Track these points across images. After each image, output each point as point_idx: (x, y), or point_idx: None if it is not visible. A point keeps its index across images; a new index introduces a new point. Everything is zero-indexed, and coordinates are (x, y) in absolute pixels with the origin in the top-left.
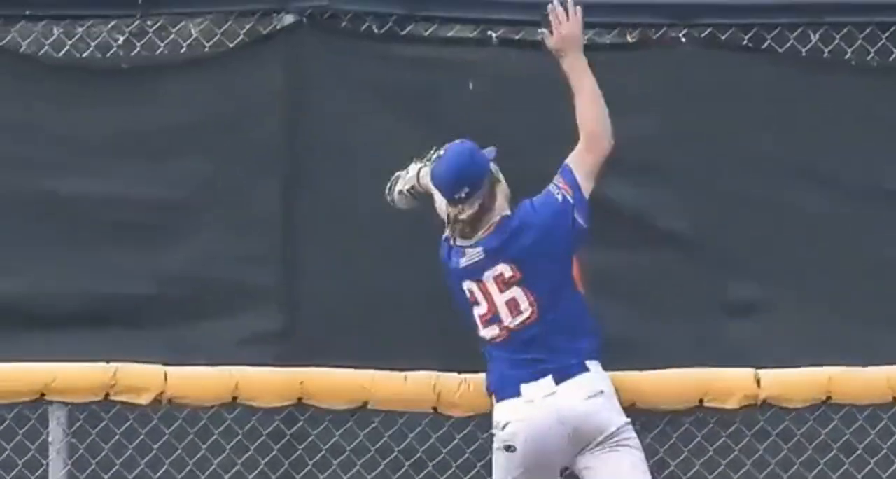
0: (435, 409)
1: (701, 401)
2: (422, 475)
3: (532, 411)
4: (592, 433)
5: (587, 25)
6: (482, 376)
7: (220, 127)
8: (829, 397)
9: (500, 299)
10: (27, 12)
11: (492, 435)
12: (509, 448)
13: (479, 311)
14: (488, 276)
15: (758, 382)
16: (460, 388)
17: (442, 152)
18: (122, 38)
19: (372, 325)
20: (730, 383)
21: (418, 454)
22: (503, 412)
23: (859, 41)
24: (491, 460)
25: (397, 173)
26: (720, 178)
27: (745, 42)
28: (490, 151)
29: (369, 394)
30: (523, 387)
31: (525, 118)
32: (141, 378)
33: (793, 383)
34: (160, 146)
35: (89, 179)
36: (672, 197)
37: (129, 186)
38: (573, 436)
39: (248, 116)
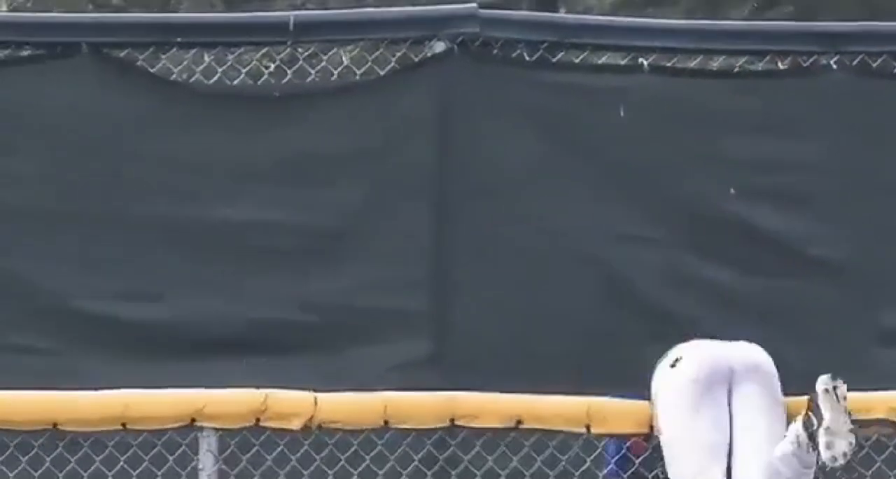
0: (588, 427)
1: (849, 413)
2: None
3: None
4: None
5: (739, 52)
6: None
7: (370, 154)
8: None
9: None
10: (178, 39)
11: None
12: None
13: None
14: None
15: None
16: (604, 408)
17: None
18: (273, 66)
19: (523, 351)
20: (875, 400)
21: None
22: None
23: None
24: None
25: None
26: (872, 206)
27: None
28: None
29: (522, 413)
30: None
31: (675, 145)
32: (291, 404)
33: None
34: (311, 173)
35: (239, 207)
36: (822, 224)
37: (280, 213)
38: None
39: (399, 143)
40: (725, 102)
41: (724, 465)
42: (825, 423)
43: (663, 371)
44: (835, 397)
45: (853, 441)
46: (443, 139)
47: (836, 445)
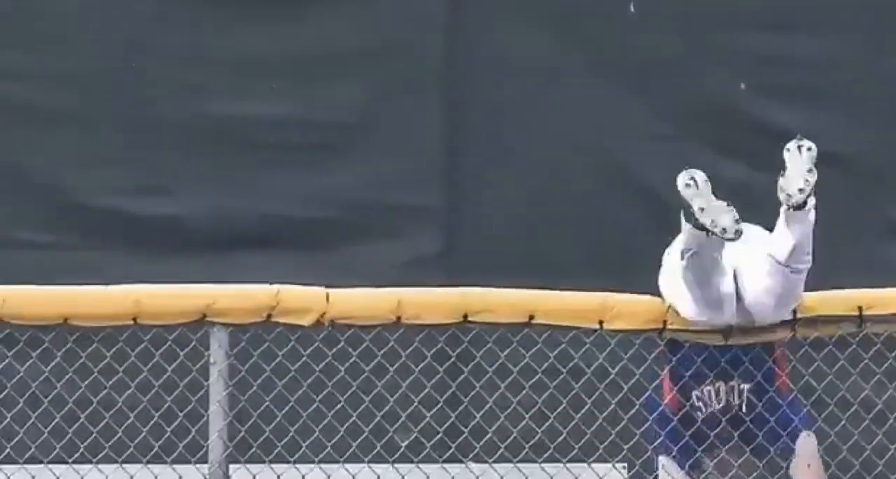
0: (601, 323)
1: (860, 309)
2: (593, 396)
3: None
4: None
5: None
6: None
7: (381, 49)
8: None
9: None
10: None
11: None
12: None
13: None
14: None
15: None
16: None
17: None
18: None
19: (535, 247)
20: (890, 295)
21: (586, 376)
22: None
23: None
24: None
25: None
26: (882, 101)
27: None
28: None
29: (535, 309)
30: None
31: (686, 41)
32: (303, 300)
33: None
34: (322, 69)
35: (252, 103)
36: (832, 119)
37: (293, 110)
38: None
39: (410, 38)
40: None
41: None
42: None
43: (669, 260)
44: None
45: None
46: (453, 34)
47: (720, 220)
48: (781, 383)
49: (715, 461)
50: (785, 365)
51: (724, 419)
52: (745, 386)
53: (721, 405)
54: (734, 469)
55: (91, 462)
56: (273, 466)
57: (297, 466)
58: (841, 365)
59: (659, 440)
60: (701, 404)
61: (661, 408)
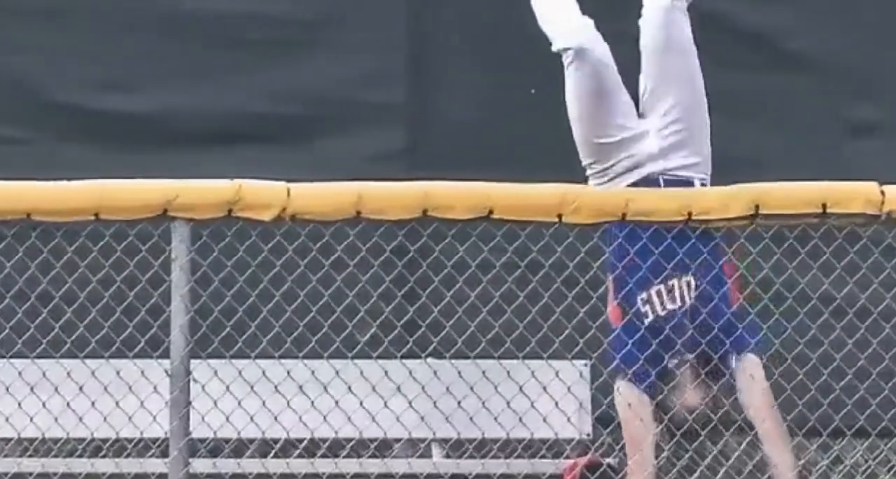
0: (560, 217)
1: (824, 207)
2: (550, 290)
3: None
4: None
5: None
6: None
7: None
8: None
9: None
10: None
11: None
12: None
13: None
14: None
15: (882, 193)
16: (578, 197)
17: None
18: None
19: (497, 141)
20: (853, 191)
21: (544, 269)
22: None
23: None
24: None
25: None
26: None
27: None
28: None
29: (494, 203)
30: None
31: None
32: (264, 195)
33: None
34: None
35: None
36: (799, 19)
37: (257, 5)
38: None
39: None
40: None
41: None
42: None
43: None
44: None
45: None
46: None
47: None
48: (734, 295)
49: (682, 369)
50: (733, 270)
51: (678, 321)
52: (692, 281)
53: (671, 306)
54: (698, 380)
55: (53, 357)
56: (233, 361)
57: (258, 361)
58: (801, 259)
59: (613, 364)
60: (648, 309)
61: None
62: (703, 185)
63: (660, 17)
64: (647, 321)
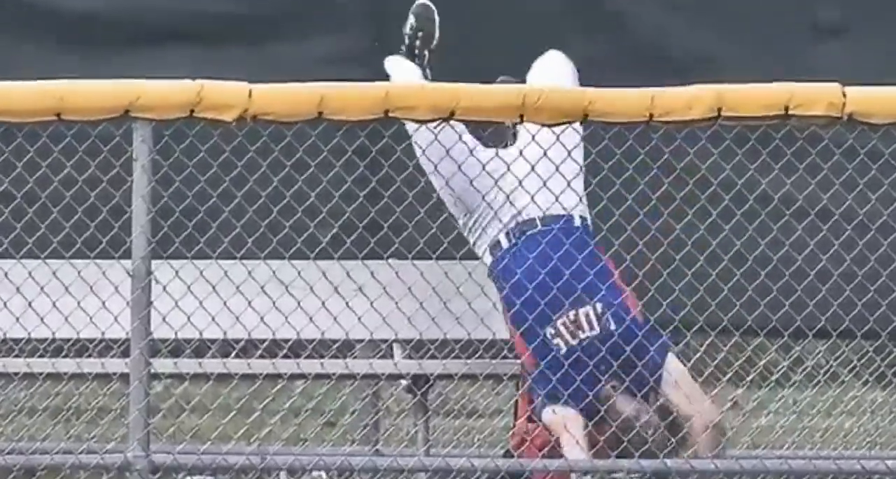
0: (522, 117)
1: (786, 109)
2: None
3: None
4: None
5: None
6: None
7: None
8: None
9: None
10: None
11: None
12: None
13: None
14: None
15: (843, 94)
16: (541, 96)
17: None
18: None
19: (463, 41)
20: (816, 93)
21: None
22: None
23: None
24: None
25: None
26: None
27: None
28: None
29: (456, 104)
30: None
31: None
32: (226, 95)
33: (878, 99)
34: None
35: None
36: None
37: None
38: None
39: None
40: None
41: None
42: None
43: None
44: None
45: None
46: None
47: None
48: (630, 301)
49: (618, 391)
50: (623, 281)
51: (596, 348)
52: (598, 306)
53: (583, 334)
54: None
55: (13, 258)
56: (195, 262)
57: (219, 262)
58: (763, 160)
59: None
60: (559, 341)
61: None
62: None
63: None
64: (562, 352)
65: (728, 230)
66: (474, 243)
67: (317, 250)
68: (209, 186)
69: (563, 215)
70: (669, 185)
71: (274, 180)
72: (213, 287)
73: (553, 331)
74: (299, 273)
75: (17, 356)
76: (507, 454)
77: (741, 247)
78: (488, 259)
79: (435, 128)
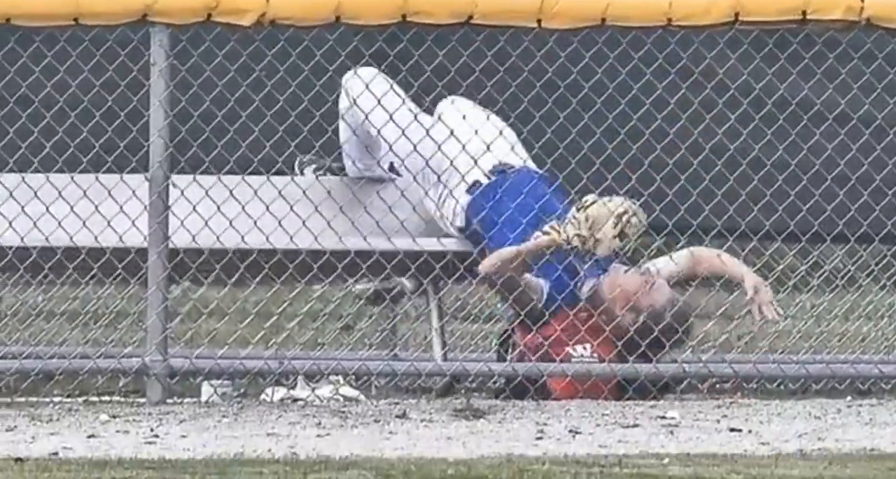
0: (539, 22)
1: (804, 13)
2: (529, 94)
3: None
4: None
5: None
6: None
7: None
8: None
9: None
10: None
11: None
12: None
13: None
14: None
15: None
16: (559, 1)
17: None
18: None
19: None
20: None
21: (524, 74)
22: None
23: None
24: None
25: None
26: None
27: None
28: None
29: (474, 8)
30: None
31: None
32: None
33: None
34: None
35: None
36: None
37: None
38: None
39: None
40: None
41: None
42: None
43: None
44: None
45: None
46: None
47: None
48: None
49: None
50: None
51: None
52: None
53: None
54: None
55: (31, 163)
56: (212, 167)
57: (236, 165)
58: (781, 65)
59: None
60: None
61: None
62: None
63: None
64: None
65: (746, 135)
66: (443, 210)
67: (335, 153)
68: (226, 89)
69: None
70: (687, 89)
71: (291, 85)
72: (231, 192)
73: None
74: (317, 178)
75: (35, 262)
76: (521, 358)
77: (759, 152)
78: (465, 201)
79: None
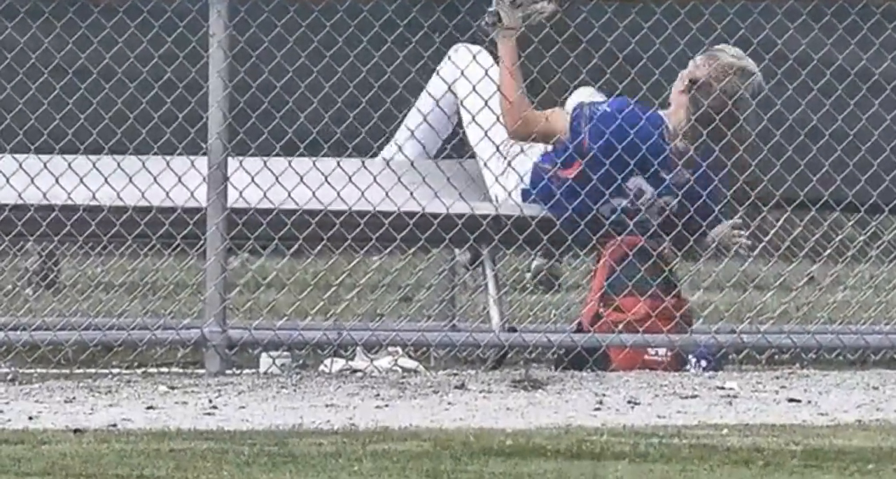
0: None
1: None
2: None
3: None
4: None
5: None
6: None
7: None
8: None
9: None
10: None
11: None
12: None
13: None
14: None
15: None
16: None
17: None
18: None
19: None
20: None
21: (582, 45)
22: None
23: None
24: None
25: None
26: None
27: None
28: None
29: None
30: None
31: None
32: None
33: None
34: None
35: None
36: None
37: None
38: None
39: None
40: None
41: None
42: None
43: None
44: None
45: None
46: None
47: None
48: None
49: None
50: None
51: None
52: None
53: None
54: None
55: (90, 133)
56: (269, 138)
57: (294, 138)
58: (839, 35)
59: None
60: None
61: None
62: None
63: None
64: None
65: (804, 105)
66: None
67: (393, 125)
68: (286, 60)
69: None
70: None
71: (350, 56)
72: (290, 163)
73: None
74: (375, 149)
75: (93, 230)
76: (579, 329)
77: (817, 122)
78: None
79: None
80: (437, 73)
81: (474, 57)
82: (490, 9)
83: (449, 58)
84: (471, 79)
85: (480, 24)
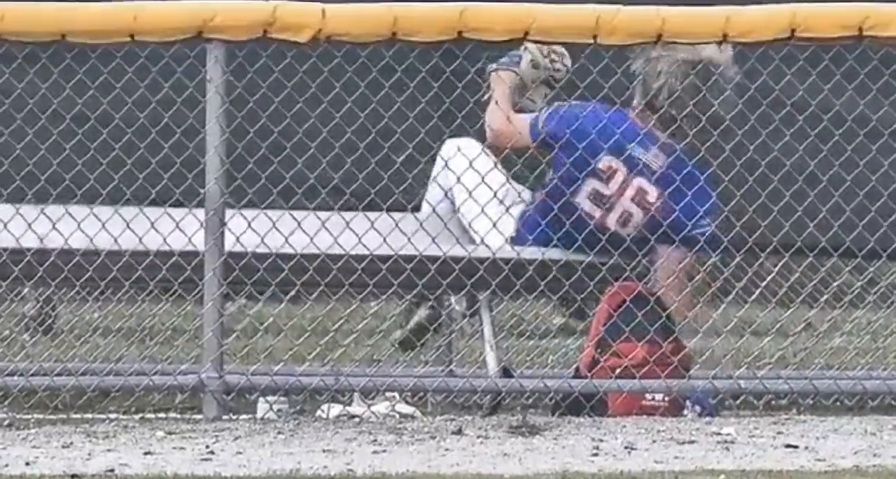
0: (595, 38)
1: (861, 29)
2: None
3: None
4: None
5: None
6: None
7: None
8: None
9: None
10: None
11: None
12: None
13: None
14: None
15: None
16: (616, 16)
17: None
18: None
19: None
20: (891, 13)
21: (579, 90)
22: None
23: None
24: None
25: None
26: None
27: None
28: None
29: (529, 25)
30: None
31: None
32: (299, 15)
33: None
34: None
35: None
36: None
37: None
38: None
39: None
40: None
41: None
42: None
43: None
44: None
45: None
46: None
47: None
48: None
49: None
50: None
51: None
52: None
53: None
54: None
55: (88, 178)
56: (267, 183)
57: (292, 183)
58: (836, 81)
59: None
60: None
61: None
62: None
63: None
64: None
65: (802, 151)
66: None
67: (390, 171)
68: (283, 106)
69: None
70: (743, 105)
71: (348, 101)
72: (286, 205)
73: None
74: (373, 195)
75: (90, 275)
76: (577, 375)
77: (815, 168)
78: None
79: None
80: (434, 180)
81: (466, 155)
82: (513, 52)
83: (441, 158)
84: (466, 182)
85: (501, 61)
